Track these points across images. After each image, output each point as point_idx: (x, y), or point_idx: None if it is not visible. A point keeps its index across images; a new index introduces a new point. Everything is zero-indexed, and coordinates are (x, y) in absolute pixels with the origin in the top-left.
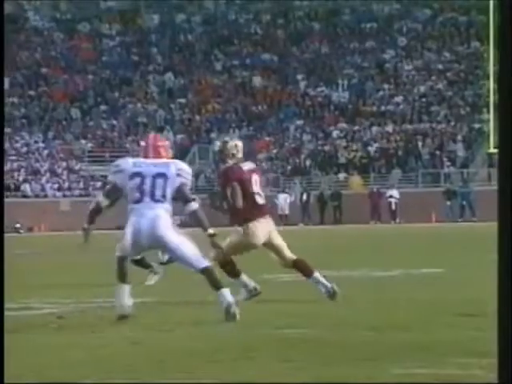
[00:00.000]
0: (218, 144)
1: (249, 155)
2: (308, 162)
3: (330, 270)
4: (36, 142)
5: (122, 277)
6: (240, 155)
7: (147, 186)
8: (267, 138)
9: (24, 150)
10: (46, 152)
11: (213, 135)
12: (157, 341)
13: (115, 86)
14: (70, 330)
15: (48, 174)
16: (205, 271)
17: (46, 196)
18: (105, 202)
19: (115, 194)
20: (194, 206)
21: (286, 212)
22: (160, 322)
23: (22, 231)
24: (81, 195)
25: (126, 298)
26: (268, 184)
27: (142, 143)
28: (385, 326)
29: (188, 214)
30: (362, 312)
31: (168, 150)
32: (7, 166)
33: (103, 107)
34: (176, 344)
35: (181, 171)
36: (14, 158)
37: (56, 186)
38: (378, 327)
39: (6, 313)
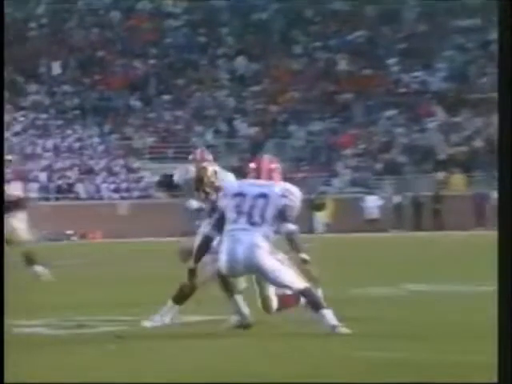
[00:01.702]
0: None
1: (333, 151)
2: (401, 159)
3: (424, 283)
4: (90, 136)
5: (231, 291)
6: (218, 183)
7: (246, 207)
8: (353, 131)
9: (77, 145)
10: (101, 148)
11: (291, 128)
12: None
13: (180, 72)
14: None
15: (104, 173)
16: (303, 293)
17: (101, 198)
18: (214, 235)
19: (224, 223)
20: (291, 227)
21: (375, 216)
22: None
23: (74, 238)
24: (141, 197)
25: (243, 307)
26: (354, 184)
27: (252, 165)
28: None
29: (283, 234)
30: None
31: (279, 174)
32: (58, 164)
33: (166, 96)
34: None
35: (286, 192)
36: (65, 154)
37: (113, 186)
38: (470, 350)
39: (56, 331)
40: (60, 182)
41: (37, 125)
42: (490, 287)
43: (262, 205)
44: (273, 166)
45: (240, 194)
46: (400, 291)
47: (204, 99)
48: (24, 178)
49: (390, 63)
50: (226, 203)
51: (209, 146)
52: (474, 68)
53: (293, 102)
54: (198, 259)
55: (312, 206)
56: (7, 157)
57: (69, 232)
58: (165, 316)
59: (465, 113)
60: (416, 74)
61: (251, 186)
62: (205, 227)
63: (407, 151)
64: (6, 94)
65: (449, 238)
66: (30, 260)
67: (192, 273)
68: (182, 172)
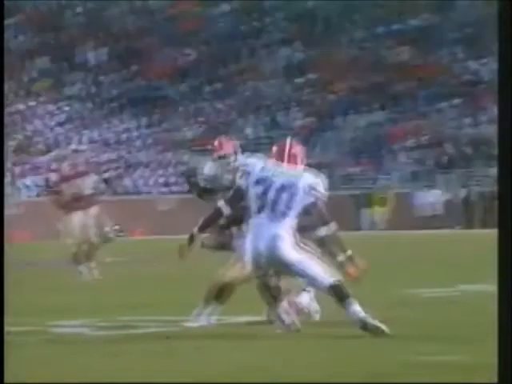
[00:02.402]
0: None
1: (392, 143)
2: (467, 151)
3: (489, 284)
4: (129, 129)
5: (272, 296)
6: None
7: (270, 197)
8: (414, 122)
9: (115, 138)
10: (141, 141)
11: (339, 120)
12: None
13: (226, 61)
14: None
15: (144, 168)
16: (332, 288)
17: (140, 193)
18: (226, 210)
19: (239, 200)
20: (331, 228)
21: (438, 212)
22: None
23: (122, 234)
24: (183, 192)
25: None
26: (415, 178)
27: (275, 147)
28: None
29: (320, 238)
30: None
31: (304, 159)
32: (96, 158)
33: (212, 86)
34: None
35: (313, 186)
36: (104, 148)
37: (153, 181)
38: None
39: (103, 332)
40: (105, 175)
41: (79, 116)
42: None
43: (287, 198)
44: (297, 149)
45: (264, 181)
46: (460, 292)
47: (254, 89)
48: (94, 171)
49: (445, 51)
50: (246, 185)
51: (260, 138)
52: None
53: (342, 93)
54: (201, 229)
55: (370, 201)
56: (81, 147)
57: (116, 227)
58: (208, 316)
59: None
60: (474, 62)
61: (277, 173)
62: (218, 201)
63: (472, 143)
64: (49, 83)
65: None
66: (78, 258)
67: (191, 238)
68: (208, 167)
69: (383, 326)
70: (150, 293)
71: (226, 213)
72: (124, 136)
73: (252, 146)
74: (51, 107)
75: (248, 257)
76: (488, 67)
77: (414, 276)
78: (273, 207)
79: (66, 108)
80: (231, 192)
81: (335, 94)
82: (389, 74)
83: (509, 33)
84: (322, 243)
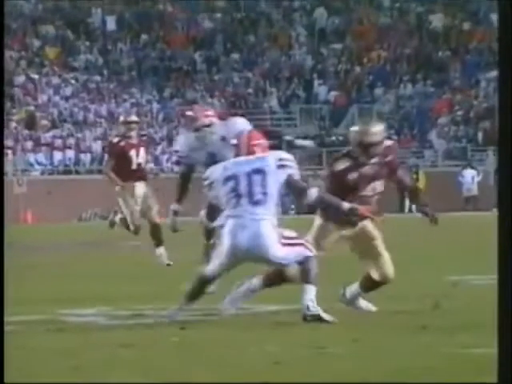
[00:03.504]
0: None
1: (426, 118)
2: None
3: None
4: (149, 101)
5: (194, 297)
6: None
7: (243, 187)
8: (450, 96)
9: (133, 111)
10: (161, 115)
11: (378, 92)
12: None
13: (250, 28)
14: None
15: (164, 143)
16: (304, 261)
17: (162, 171)
18: (208, 224)
19: (217, 211)
20: (314, 192)
21: (475, 193)
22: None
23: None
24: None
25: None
26: (450, 157)
27: (234, 141)
28: None
29: (312, 204)
30: None
31: (265, 150)
32: (113, 132)
33: (235, 55)
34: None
35: (283, 161)
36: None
37: (175, 158)
38: None
39: (112, 321)
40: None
41: (89, 88)
42: None
43: (260, 181)
44: (254, 141)
45: (231, 177)
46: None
47: (278, 59)
48: (146, 145)
49: (492, 17)
50: (216, 192)
51: (284, 113)
52: None
53: (380, 62)
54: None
55: None
56: (132, 118)
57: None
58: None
59: None
60: None
61: (239, 164)
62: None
63: None
64: (55, 53)
65: None
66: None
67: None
68: (182, 141)
69: (327, 318)
70: (163, 281)
71: (209, 226)
72: (136, 109)
73: (270, 121)
74: (57, 80)
75: (224, 247)
76: None
77: (456, 262)
78: (249, 195)
79: (73, 81)
80: (207, 207)
81: (365, 65)
82: (425, 43)
83: (509, 33)
84: (321, 203)
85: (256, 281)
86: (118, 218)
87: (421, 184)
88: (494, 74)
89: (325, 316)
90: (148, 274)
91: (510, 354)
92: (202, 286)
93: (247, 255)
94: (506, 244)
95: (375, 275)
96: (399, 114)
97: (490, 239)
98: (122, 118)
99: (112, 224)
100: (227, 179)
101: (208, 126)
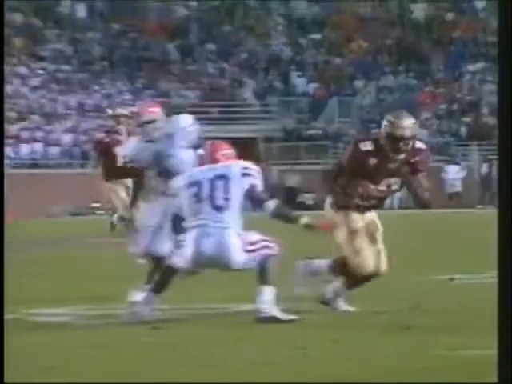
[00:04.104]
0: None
1: (408, 111)
2: (491, 121)
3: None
4: (121, 92)
5: (161, 288)
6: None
7: (205, 192)
8: (433, 88)
9: (105, 103)
10: (133, 106)
11: (358, 84)
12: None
13: (226, 17)
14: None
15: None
16: (262, 260)
17: None
18: (174, 232)
19: (181, 220)
20: (271, 205)
21: (458, 189)
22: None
23: (101, 212)
24: None
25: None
26: (433, 151)
27: (201, 152)
28: None
29: (270, 215)
30: None
31: (230, 159)
32: (83, 126)
33: (210, 45)
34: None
35: (247, 170)
36: (91, 114)
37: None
38: None
39: (83, 321)
40: (86, 146)
41: (58, 78)
42: None
43: (223, 186)
44: (219, 152)
45: (195, 183)
46: (484, 279)
47: (255, 49)
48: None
49: (477, 7)
50: (180, 200)
51: (260, 105)
52: None
53: (360, 53)
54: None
55: None
56: (121, 111)
57: (95, 205)
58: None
59: None
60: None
61: (204, 171)
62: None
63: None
64: (22, 42)
65: None
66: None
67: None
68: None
69: (285, 317)
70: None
71: (175, 233)
72: (108, 101)
73: (248, 114)
74: (24, 70)
75: (187, 254)
76: None
77: (438, 261)
78: (211, 199)
79: (41, 71)
80: (172, 219)
81: (346, 56)
82: (407, 33)
83: (509, 33)
84: (277, 215)
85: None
86: (115, 217)
87: None
88: (478, 66)
89: (281, 316)
90: (120, 271)
91: (510, 354)
92: (168, 276)
93: (210, 262)
94: (505, 242)
95: (368, 267)
96: (380, 107)
97: (474, 238)
98: (109, 112)
99: (112, 226)
100: (190, 185)
101: (151, 121)
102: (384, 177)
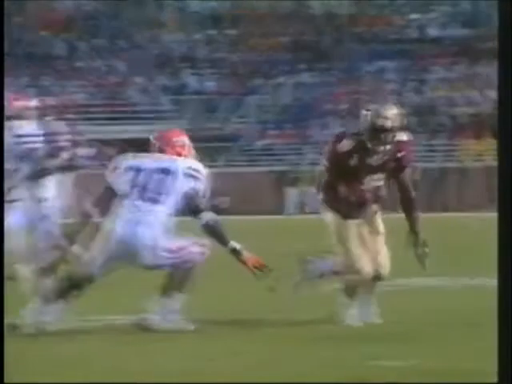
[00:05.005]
0: None
1: (309, 111)
2: (408, 121)
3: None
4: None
5: (60, 295)
6: None
7: (140, 180)
8: (338, 87)
9: None
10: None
11: (256, 82)
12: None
13: (116, 9)
14: None
15: None
16: (171, 275)
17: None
18: (94, 213)
19: (110, 198)
20: (206, 217)
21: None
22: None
23: None
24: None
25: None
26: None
27: (154, 138)
28: None
29: (201, 227)
30: None
31: (187, 149)
32: None
33: (98, 41)
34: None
35: (192, 171)
36: None
37: None
38: None
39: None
40: None
41: None
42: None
43: (161, 180)
44: (179, 139)
45: (134, 168)
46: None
47: (145, 45)
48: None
49: (383, 2)
50: (116, 178)
51: (152, 104)
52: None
53: (258, 49)
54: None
55: (284, 180)
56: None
57: None
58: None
59: (483, 63)
60: (415, 16)
61: (149, 160)
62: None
63: (414, 111)
64: None
65: (453, 221)
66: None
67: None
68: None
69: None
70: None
71: (95, 215)
72: None
73: (138, 115)
74: None
75: (108, 246)
76: (423, 23)
77: None
78: (143, 189)
79: None
80: (101, 191)
81: (243, 54)
82: (309, 29)
83: (509, 33)
84: (208, 230)
85: None
86: None
87: (304, 185)
88: (380, 64)
89: (182, 326)
90: None
91: (510, 354)
92: (76, 284)
93: (122, 250)
94: (506, 245)
95: (369, 270)
96: (279, 107)
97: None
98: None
99: None
100: (130, 169)
101: (16, 116)
102: (367, 173)
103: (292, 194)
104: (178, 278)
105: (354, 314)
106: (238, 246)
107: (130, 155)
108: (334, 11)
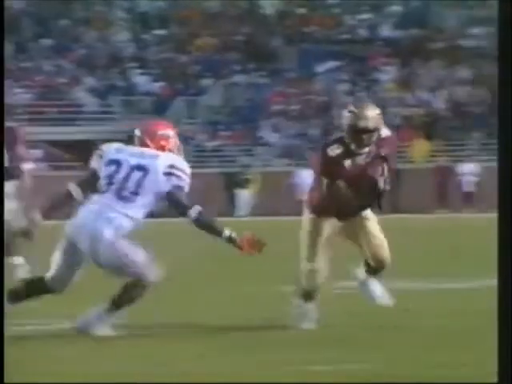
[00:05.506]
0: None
1: (258, 112)
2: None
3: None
4: None
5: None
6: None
7: (119, 177)
8: (285, 88)
9: None
10: None
11: (206, 82)
12: None
13: (63, 10)
14: None
15: None
16: (132, 284)
17: None
18: (77, 194)
19: (92, 184)
20: (194, 212)
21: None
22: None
23: None
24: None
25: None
26: (286, 155)
27: (137, 130)
28: None
29: (192, 223)
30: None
31: (172, 142)
32: None
33: (46, 41)
34: None
35: (173, 169)
36: None
37: None
38: None
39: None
40: None
41: None
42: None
43: (139, 178)
44: (164, 132)
45: (115, 162)
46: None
47: (95, 44)
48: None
49: (331, 2)
50: (99, 169)
51: (100, 105)
52: (437, 9)
53: (207, 49)
54: (47, 214)
55: (233, 182)
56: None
57: None
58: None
59: (423, 64)
60: (363, 16)
61: (131, 154)
62: (69, 184)
63: None
64: None
65: (404, 223)
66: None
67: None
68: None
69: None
70: None
71: (77, 197)
72: None
73: (86, 116)
74: None
75: (69, 226)
76: (373, 23)
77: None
78: (120, 188)
79: None
80: (84, 175)
81: (192, 54)
82: (257, 29)
83: (509, 33)
84: (199, 226)
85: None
86: None
87: (254, 186)
88: (331, 64)
89: (101, 331)
90: None
91: (510, 354)
92: (38, 288)
93: (84, 244)
94: (506, 245)
95: (324, 275)
96: (229, 107)
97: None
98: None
99: None
100: (111, 162)
101: None
102: (355, 176)
103: (242, 195)
104: (130, 293)
105: (308, 317)
106: (232, 233)
107: (114, 146)
108: (285, 11)
